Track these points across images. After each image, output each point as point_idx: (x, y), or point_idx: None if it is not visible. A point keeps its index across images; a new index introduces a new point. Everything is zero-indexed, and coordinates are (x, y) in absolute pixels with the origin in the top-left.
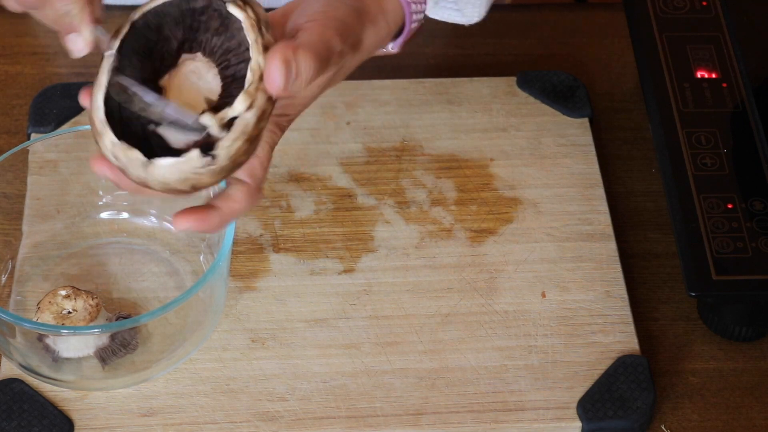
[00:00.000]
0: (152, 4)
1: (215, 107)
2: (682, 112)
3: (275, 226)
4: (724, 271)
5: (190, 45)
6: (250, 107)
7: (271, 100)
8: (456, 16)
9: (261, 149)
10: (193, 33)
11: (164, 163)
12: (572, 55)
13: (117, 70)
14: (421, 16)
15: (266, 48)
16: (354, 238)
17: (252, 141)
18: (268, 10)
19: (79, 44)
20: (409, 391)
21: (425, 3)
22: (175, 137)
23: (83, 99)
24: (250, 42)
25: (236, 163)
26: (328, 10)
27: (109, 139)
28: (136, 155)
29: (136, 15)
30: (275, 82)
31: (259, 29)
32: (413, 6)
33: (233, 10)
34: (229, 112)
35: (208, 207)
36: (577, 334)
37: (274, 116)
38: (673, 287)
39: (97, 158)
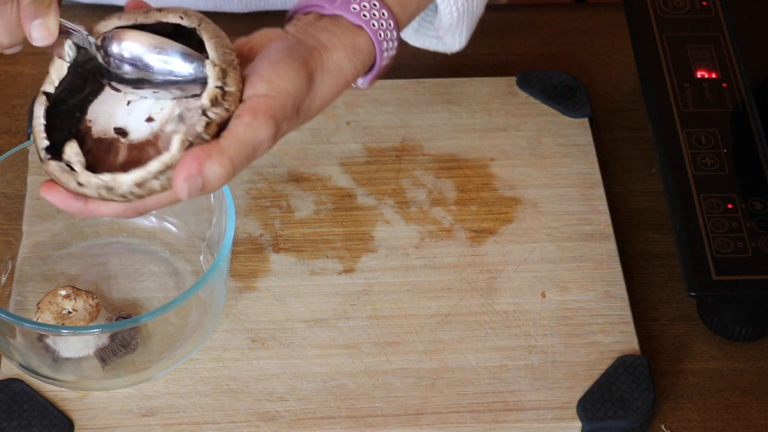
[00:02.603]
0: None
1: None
2: (682, 112)
3: (275, 226)
4: (724, 271)
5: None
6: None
7: None
8: (436, 44)
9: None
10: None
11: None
12: (572, 55)
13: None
14: (393, 52)
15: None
16: (354, 238)
17: (241, 92)
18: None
19: (43, 31)
20: (409, 391)
21: (397, 40)
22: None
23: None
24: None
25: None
26: (273, 76)
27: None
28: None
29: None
30: (181, 194)
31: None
32: (385, 44)
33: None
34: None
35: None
36: (577, 334)
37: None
38: (673, 287)
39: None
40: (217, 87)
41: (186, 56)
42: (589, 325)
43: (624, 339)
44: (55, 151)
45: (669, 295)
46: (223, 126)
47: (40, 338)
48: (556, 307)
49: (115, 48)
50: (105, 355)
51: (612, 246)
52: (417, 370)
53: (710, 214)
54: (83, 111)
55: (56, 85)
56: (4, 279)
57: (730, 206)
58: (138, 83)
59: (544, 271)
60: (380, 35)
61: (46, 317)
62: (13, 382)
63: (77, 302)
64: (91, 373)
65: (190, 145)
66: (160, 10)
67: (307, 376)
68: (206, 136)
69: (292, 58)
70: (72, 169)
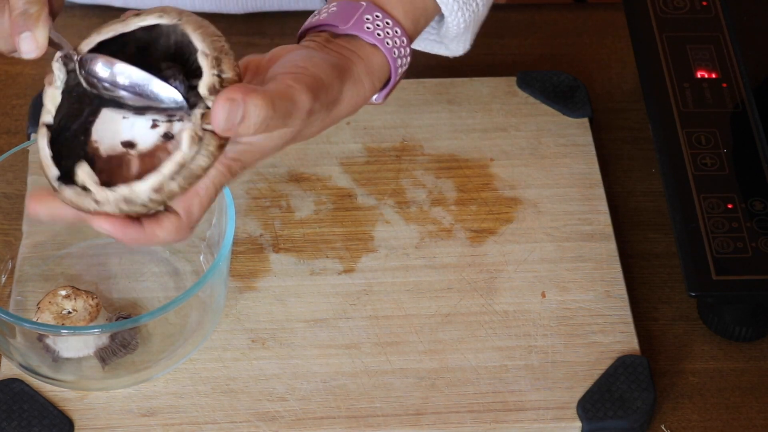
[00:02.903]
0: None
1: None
2: (682, 112)
3: (275, 226)
4: (724, 271)
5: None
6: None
7: (220, 144)
8: (440, 49)
9: (204, 190)
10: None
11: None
12: (572, 55)
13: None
14: (405, 68)
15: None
16: (354, 238)
17: (192, 181)
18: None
19: (31, 44)
20: (409, 391)
21: (409, 56)
22: (132, 130)
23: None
24: (203, 82)
25: (167, 199)
26: (307, 65)
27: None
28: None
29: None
30: (217, 120)
31: (217, 65)
32: (399, 61)
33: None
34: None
35: (134, 220)
36: (577, 334)
37: (227, 159)
38: (673, 287)
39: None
40: (214, 75)
41: (164, 88)
42: (589, 325)
43: (624, 339)
44: (67, 178)
45: (669, 295)
46: None
47: (40, 338)
48: (556, 307)
49: (98, 71)
50: (105, 355)
51: (612, 246)
52: (417, 370)
53: (710, 214)
54: (87, 133)
55: (54, 114)
56: (4, 279)
57: (730, 206)
58: (121, 106)
59: (544, 271)
60: (395, 53)
61: (46, 317)
62: (13, 382)
63: (77, 302)
64: (91, 373)
65: (200, 139)
66: (138, 14)
67: (307, 376)
68: (211, 126)
69: (325, 57)
70: (87, 189)
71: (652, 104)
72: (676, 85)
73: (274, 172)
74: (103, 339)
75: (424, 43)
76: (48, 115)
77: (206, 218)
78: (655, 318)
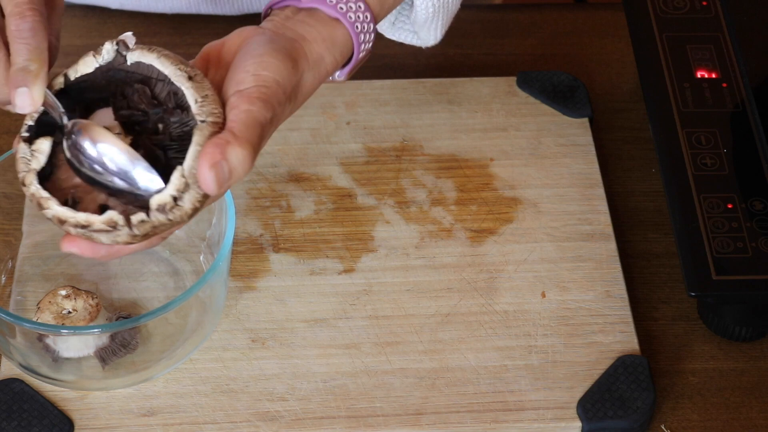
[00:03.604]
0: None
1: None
2: (682, 112)
3: (275, 226)
4: (724, 271)
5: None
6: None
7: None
8: (412, 38)
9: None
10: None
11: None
12: (572, 55)
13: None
14: (370, 45)
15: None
16: (354, 238)
17: (195, 213)
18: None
19: (26, 100)
20: (409, 391)
21: (374, 32)
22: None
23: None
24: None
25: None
26: (260, 70)
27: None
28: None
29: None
30: (209, 188)
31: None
32: (362, 36)
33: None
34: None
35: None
36: (577, 334)
37: None
38: (673, 287)
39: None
40: (197, 102)
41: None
42: (589, 325)
43: (624, 339)
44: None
45: (669, 295)
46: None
47: (40, 338)
48: (556, 307)
49: (85, 147)
50: (105, 355)
51: (612, 246)
52: (417, 370)
53: (710, 214)
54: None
55: (43, 164)
56: (4, 279)
57: (730, 206)
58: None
59: (544, 271)
60: (357, 27)
61: (46, 317)
62: (13, 382)
63: (77, 302)
64: (91, 373)
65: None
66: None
67: (307, 376)
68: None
69: (275, 50)
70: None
71: (652, 104)
72: (676, 85)
73: (274, 172)
74: (103, 339)
75: (398, 33)
76: (36, 163)
77: (206, 218)
78: (655, 318)
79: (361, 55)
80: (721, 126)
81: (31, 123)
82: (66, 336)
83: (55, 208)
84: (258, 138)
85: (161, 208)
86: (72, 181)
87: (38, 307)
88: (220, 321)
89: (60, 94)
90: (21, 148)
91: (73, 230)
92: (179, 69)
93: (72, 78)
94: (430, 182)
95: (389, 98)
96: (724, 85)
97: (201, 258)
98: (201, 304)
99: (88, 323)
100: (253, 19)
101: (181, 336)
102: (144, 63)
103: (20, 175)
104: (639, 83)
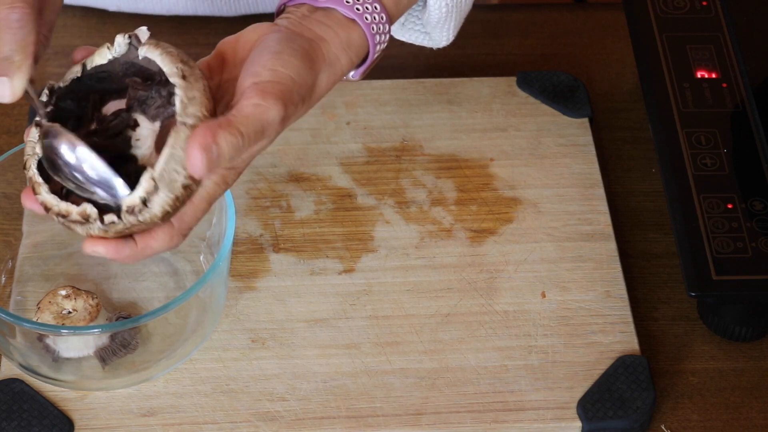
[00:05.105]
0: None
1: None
2: (682, 112)
3: (275, 226)
4: (724, 271)
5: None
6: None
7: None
8: (423, 38)
9: (200, 199)
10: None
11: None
12: (572, 55)
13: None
14: (384, 46)
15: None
16: (354, 238)
17: (167, 216)
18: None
19: (6, 90)
20: (409, 391)
21: (389, 33)
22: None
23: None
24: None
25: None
26: (277, 65)
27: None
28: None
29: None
30: (196, 168)
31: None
32: (377, 37)
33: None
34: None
35: (125, 237)
36: (577, 334)
37: (222, 169)
38: (673, 287)
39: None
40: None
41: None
42: (589, 325)
43: (624, 339)
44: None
45: (669, 295)
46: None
47: (40, 338)
48: (556, 307)
49: (62, 153)
50: (105, 355)
51: (612, 246)
52: (417, 370)
53: (710, 214)
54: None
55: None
56: (4, 279)
57: (730, 206)
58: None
59: (544, 271)
60: (373, 29)
61: (46, 317)
62: (13, 382)
63: (77, 302)
64: (91, 373)
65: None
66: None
67: (307, 376)
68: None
69: (294, 49)
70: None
71: (652, 104)
72: (676, 85)
73: (274, 172)
74: (103, 339)
75: (408, 33)
76: (34, 161)
77: (206, 218)
78: (655, 318)
79: (375, 56)
80: (721, 126)
81: (46, 110)
82: (66, 336)
83: (44, 194)
84: (254, 134)
85: (130, 210)
86: None
87: (38, 307)
88: (220, 321)
89: (77, 82)
90: (32, 133)
91: (55, 218)
92: (176, 67)
93: (89, 67)
94: (430, 182)
95: (389, 98)
96: (724, 85)
97: (201, 258)
98: (201, 304)
99: (88, 323)
100: (251, 20)
101: (181, 336)
102: (150, 58)
103: (24, 158)
104: (639, 83)
